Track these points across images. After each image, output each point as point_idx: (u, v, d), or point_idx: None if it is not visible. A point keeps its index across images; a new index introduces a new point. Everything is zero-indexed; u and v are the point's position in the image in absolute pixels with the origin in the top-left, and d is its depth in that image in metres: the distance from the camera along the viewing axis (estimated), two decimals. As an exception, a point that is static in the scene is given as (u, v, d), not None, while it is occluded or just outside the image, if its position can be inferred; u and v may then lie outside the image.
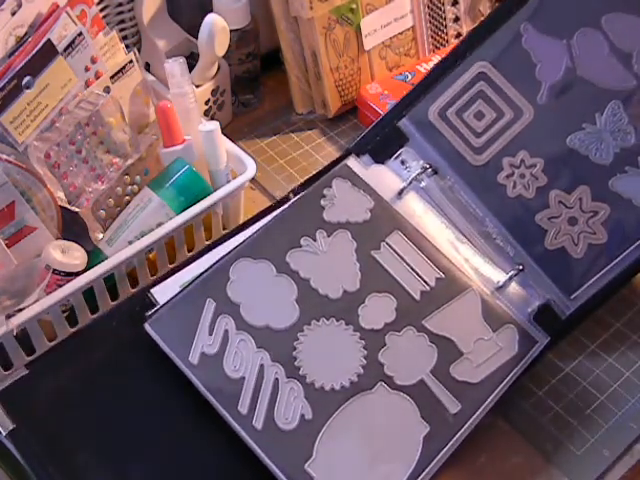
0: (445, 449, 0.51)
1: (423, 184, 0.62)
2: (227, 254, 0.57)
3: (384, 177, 0.62)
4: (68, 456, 0.51)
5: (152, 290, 0.58)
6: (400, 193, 0.61)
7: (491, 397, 0.53)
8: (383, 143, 0.63)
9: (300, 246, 0.58)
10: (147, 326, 0.55)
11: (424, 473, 0.50)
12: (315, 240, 0.58)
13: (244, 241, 0.58)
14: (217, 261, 0.57)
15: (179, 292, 0.56)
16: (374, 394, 0.53)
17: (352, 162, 0.62)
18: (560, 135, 0.58)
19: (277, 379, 0.52)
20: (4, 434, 0.51)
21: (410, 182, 0.61)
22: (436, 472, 0.51)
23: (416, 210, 0.61)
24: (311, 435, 0.51)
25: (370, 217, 0.59)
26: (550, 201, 0.58)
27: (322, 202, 0.60)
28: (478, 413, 0.52)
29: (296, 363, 0.53)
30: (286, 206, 0.60)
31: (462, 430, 0.52)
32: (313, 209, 0.59)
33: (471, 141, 0.60)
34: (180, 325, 0.54)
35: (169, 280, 0.59)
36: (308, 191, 0.61)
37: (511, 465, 0.54)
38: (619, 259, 0.56)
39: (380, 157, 0.63)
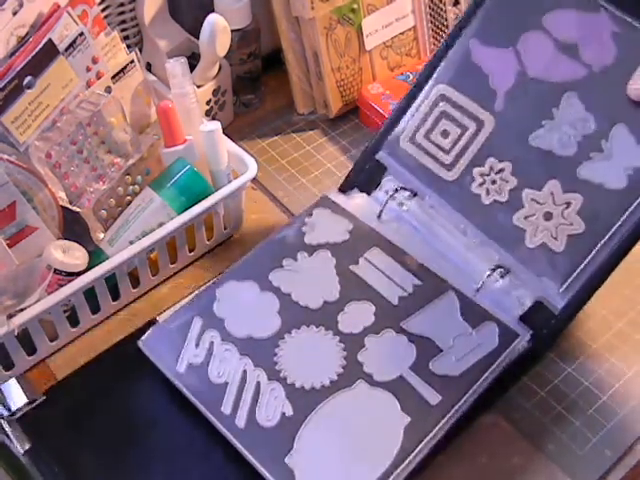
0: (427, 438, 0.51)
1: (405, 208, 0.64)
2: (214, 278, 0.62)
3: (363, 203, 0.66)
4: (79, 471, 0.53)
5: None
6: (379, 216, 0.64)
7: (473, 388, 0.53)
8: (367, 176, 0.66)
9: (282, 266, 0.61)
10: (140, 343, 0.58)
11: (406, 462, 0.50)
12: (296, 260, 0.61)
13: (230, 267, 0.62)
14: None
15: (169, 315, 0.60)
16: (354, 390, 0.54)
17: (333, 195, 0.66)
18: (522, 136, 0.59)
19: (259, 382, 0.54)
20: (22, 452, 0.54)
21: (386, 202, 0.64)
22: (419, 461, 0.51)
23: (394, 229, 0.64)
24: (291, 430, 0.52)
25: (349, 237, 0.63)
26: (523, 201, 0.59)
27: (303, 229, 0.63)
28: (460, 403, 0.53)
29: (277, 367, 0.55)
30: (270, 237, 0.63)
31: (444, 420, 0.52)
32: (295, 235, 0.63)
33: (441, 159, 0.63)
34: (169, 341, 0.58)
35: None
36: (290, 221, 0.65)
37: (513, 465, 0.54)
38: (601, 244, 0.55)
39: (367, 190, 0.66)
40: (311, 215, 0.64)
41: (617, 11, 0.56)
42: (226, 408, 0.53)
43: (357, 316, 0.58)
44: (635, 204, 0.55)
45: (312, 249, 0.62)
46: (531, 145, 0.59)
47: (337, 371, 0.55)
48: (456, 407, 0.53)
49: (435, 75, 0.63)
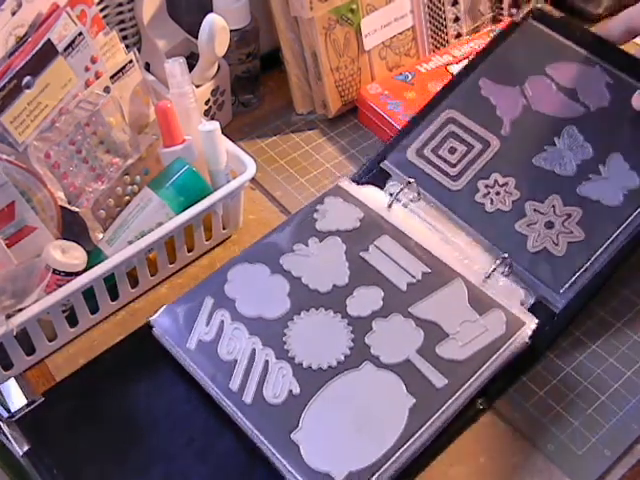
0: (432, 419, 0.52)
1: (410, 209, 0.66)
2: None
3: (373, 194, 0.67)
4: (78, 472, 0.53)
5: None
6: (389, 206, 0.65)
7: (479, 372, 0.54)
8: (371, 181, 0.68)
9: (293, 251, 0.62)
10: (151, 321, 0.59)
11: (409, 442, 0.51)
12: (307, 245, 0.62)
13: (241, 252, 0.63)
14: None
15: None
16: (360, 371, 0.54)
17: (344, 183, 0.67)
18: (526, 157, 0.64)
19: (267, 361, 0.55)
20: (21, 454, 0.54)
21: (398, 193, 0.65)
22: (423, 442, 0.51)
23: (404, 218, 0.65)
24: (298, 408, 0.53)
25: (360, 225, 0.64)
26: (526, 210, 0.62)
27: (315, 215, 0.65)
28: (465, 387, 0.53)
29: (285, 347, 0.56)
30: (281, 223, 0.65)
31: (449, 402, 0.53)
32: (306, 222, 0.64)
33: (447, 171, 0.66)
34: (180, 320, 0.59)
35: None
36: (302, 208, 0.66)
37: (512, 465, 0.54)
38: (600, 251, 0.59)
39: None
40: (323, 202, 0.66)
41: (610, 67, 0.65)
42: (234, 385, 0.54)
43: (366, 300, 0.58)
44: (630, 219, 0.59)
45: (323, 235, 0.63)
46: (534, 165, 0.63)
47: (344, 352, 0.55)
48: (461, 390, 0.53)
49: (445, 102, 0.69)
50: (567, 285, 0.58)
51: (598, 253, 0.59)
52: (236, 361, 0.55)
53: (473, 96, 0.68)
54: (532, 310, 0.58)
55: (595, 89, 0.64)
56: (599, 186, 0.61)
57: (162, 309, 0.59)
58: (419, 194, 0.65)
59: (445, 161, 0.66)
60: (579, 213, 0.60)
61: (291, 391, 0.53)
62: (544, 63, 0.67)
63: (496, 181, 0.63)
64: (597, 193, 0.61)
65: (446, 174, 0.65)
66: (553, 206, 0.61)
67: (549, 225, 0.60)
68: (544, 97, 0.66)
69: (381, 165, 0.68)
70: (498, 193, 0.63)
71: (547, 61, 0.67)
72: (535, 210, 0.61)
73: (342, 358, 0.55)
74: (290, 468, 0.50)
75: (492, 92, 0.67)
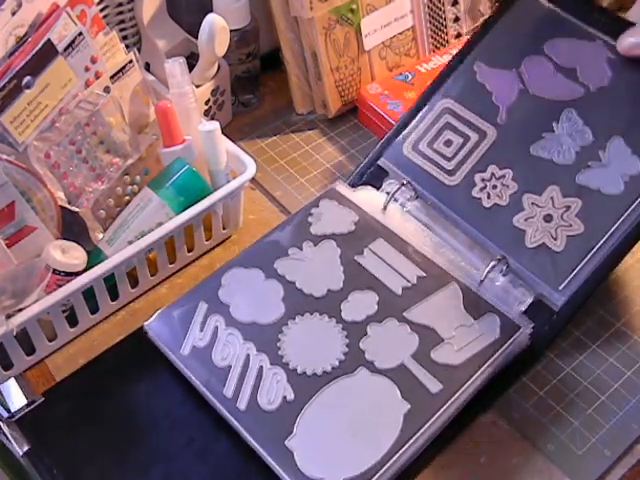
0: (427, 425, 0.52)
1: (407, 208, 0.65)
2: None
3: (369, 196, 0.67)
4: (78, 472, 0.53)
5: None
6: (384, 208, 0.65)
7: (474, 377, 0.54)
8: (369, 180, 0.68)
9: (287, 255, 0.62)
10: (146, 326, 0.58)
11: (405, 447, 0.51)
12: (302, 249, 0.62)
13: (236, 256, 0.63)
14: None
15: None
16: (355, 377, 0.54)
17: (339, 186, 0.67)
18: (523, 146, 0.63)
19: (261, 366, 0.55)
20: (21, 454, 0.54)
21: (392, 195, 0.65)
22: (418, 448, 0.51)
23: (399, 221, 0.65)
24: (292, 414, 0.52)
25: (355, 228, 0.64)
26: (524, 204, 0.61)
27: (309, 219, 0.65)
28: (460, 392, 0.53)
29: (280, 352, 0.56)
30: (276, 226, 0.64)
31: (444, 407, 0.52)
32: (301, 225, 0.64)
33: (444, 165, 0.65)
34: (175, 325, 0.58)
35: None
36: (297, 212, 0.65)
37: (512, 465, 0.54)
38: (600, 244, 0.58)
39: None
40: (317, 206, 0.66)
41: (611, 40, 0.62)
42: (228, 391, 0.54)
43: (360, 305, 0.58)
44: (632, 207, 0.58)
45: (318, 239, 0.63)
46: (532, 154, 0.62)
47: (339, 358, 0.55)
48: (456, 395, 0.53)
49: (441, 90, 0.67)
50: (566, 282, 0.58)
51: (598, 247, 0.57)
52: (230, 367, 0.55)
53: (469, 83, 0.66)
54: (531, 309, 0.58)
55: (595, 66, 0.62)
56: (599, 174, 0.59)
57: (156, 314, 0.59)
58: (416, 192, 0.65)
59: (441, 155, 0.65)
60: (578, 204, 0.59)
61: (285, 397, 0.53)
62: (542, 40, 0.64)
63: (493, 174, 0.62)
64: (597, 181, 0.59)
65: (442, 169, 0.65)
66: (551, 198, 0.60)
67: (548, 218, 0.60)
68: (541, 79, 0.64)
69: (378, 163, 0.68)
70: (495, 187, 0.62)
71: (545, 38, 0.64)
72: (533, 203, 0.60)
73: (337, 363, 0.55)
74: (285, 475, 0.50)
75: (488, 77, 0.66)
